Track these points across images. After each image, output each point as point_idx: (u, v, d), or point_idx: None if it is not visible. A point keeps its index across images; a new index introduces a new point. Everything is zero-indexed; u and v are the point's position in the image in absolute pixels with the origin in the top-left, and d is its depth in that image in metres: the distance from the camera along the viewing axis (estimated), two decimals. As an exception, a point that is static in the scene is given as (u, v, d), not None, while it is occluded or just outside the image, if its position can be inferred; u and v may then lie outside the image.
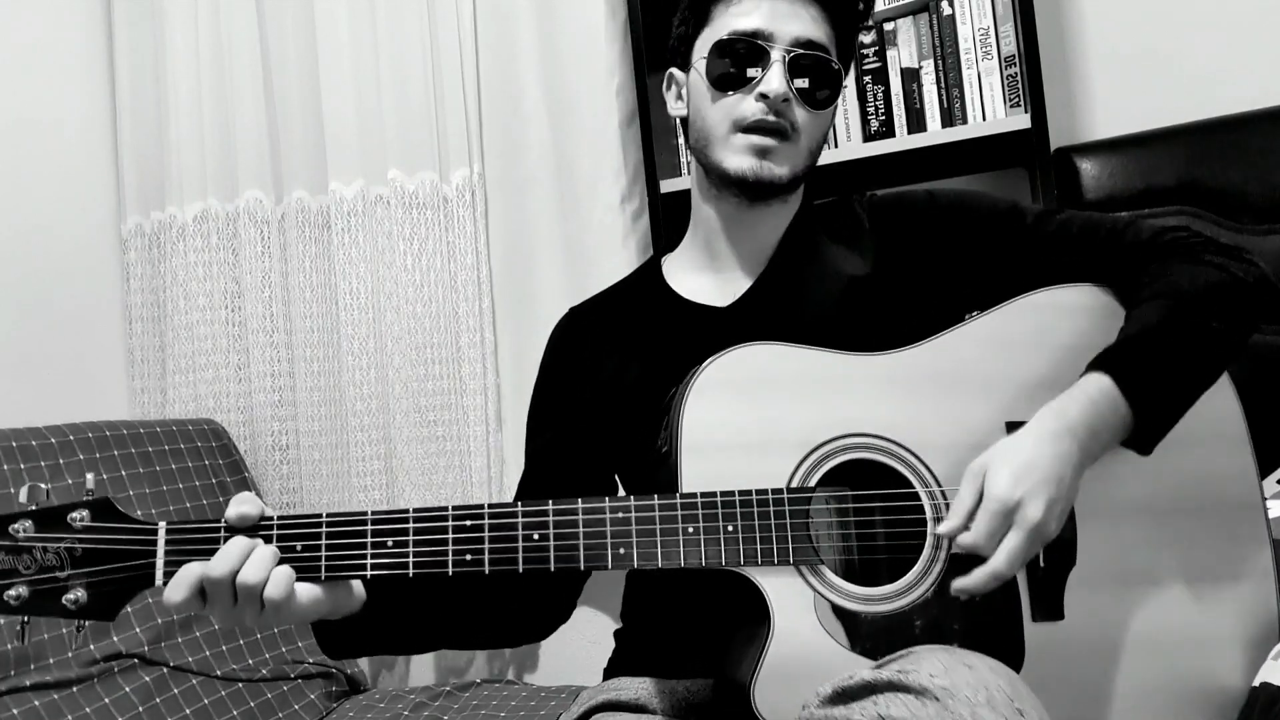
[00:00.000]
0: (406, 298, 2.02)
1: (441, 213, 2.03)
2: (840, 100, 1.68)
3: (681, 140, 1.13)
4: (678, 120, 1.15)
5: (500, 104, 2.03)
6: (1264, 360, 1.50)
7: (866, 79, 1.69)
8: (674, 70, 1.13)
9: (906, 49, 1.66)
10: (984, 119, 1.60)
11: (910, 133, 1.65)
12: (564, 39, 1.94)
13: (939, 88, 1.64)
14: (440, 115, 2.02)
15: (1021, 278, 1.00)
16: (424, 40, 2.02)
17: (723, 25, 1.04)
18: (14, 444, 1.59)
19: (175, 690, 1.61)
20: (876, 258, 1.06)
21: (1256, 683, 0.86)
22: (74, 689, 1.49)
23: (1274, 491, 1.25)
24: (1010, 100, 1.59)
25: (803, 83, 1.01)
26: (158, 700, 1.57)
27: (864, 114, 1.69)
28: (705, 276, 1.11)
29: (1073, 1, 1.80)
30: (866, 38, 1.68)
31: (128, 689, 1.55)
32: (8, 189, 1.97)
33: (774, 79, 1.00)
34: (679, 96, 1.13)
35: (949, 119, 1.63)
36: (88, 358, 2.13)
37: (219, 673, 1.68)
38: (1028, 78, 1.54)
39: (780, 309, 1.05)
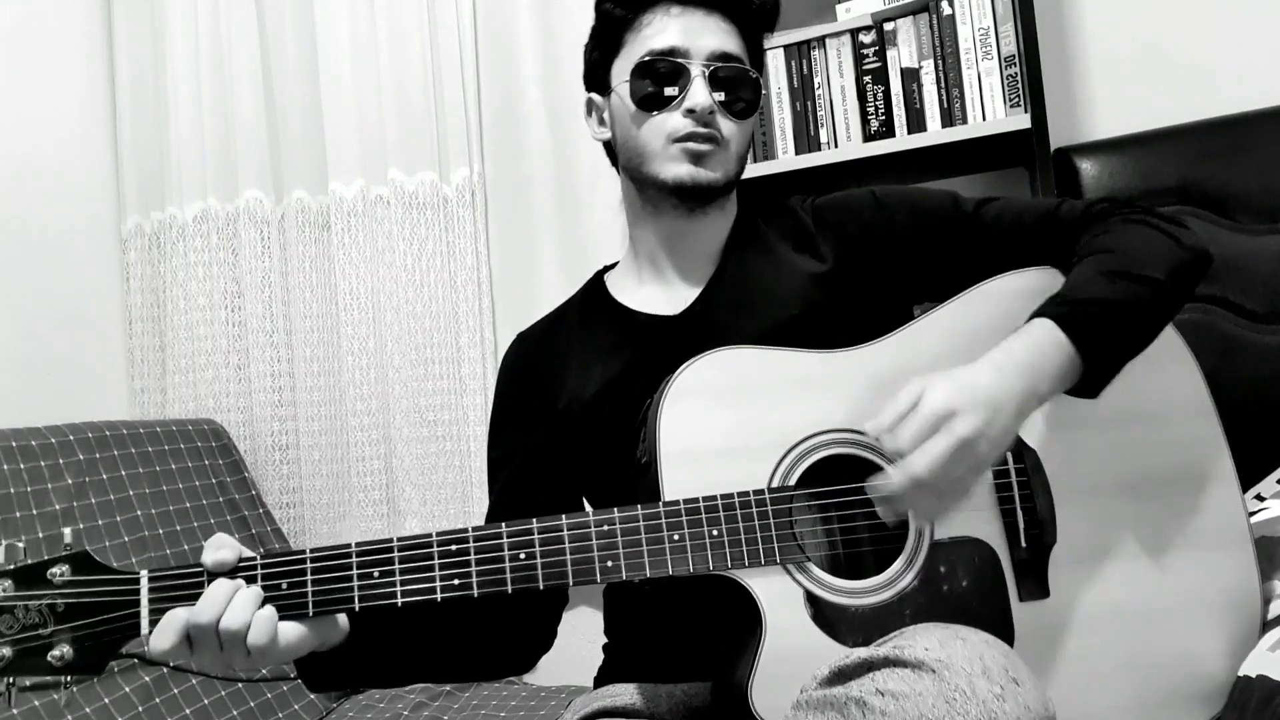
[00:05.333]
0: (406, 298, 2.02)
1: (441, 213, 2.04)
2: (840, 100, 1.70)
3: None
4: (602, 145, 1.16)
5: (500, 104, 2.03)
6: (1264, 360, 1.51)
7: (866, 79, 1.68)
8: (592, 96, 1.14)
9: (906, 49, 1.66)
10: (984, 119, 1.60)
11: (910, 133, 1.64)
12: (564, 39, 1.94)
13: (939, 88, 1.63)
14: (440, 115, 2.02)
15: (969, 267, 1.02)
16: (424, 40, 2.02)
17: (637, 48, 1.05)
18: (14, 444, 1.59)
19: (175, 690, 1.61)
20: (825, 257, 1.07)
21: (1253, 674, 0.85)
22: (74, 689, 1.49)
23: (1274, 491, 1.25)
24: (1010, 100, 1.58)
25: (723, 95, 1.03)
26: (158, 700, 1.57)
27: (864, 114, 1.68)
28: (651, 289, 1.11)
29: (1073, 1, 1.79)
30: (867, 38, 1.68)
31: (128, 689, 1.55)
32: (8, 189, 1.97)
33: (698, 93, 1.01)
34: (601, 121, 1.13)
35: (949, 119, 1.62)
36: (88, 358, 2.13)
37: (219, 673, 1.68)
38: (1028, 78, 1.53)
39: (731, 312, 1.05)
